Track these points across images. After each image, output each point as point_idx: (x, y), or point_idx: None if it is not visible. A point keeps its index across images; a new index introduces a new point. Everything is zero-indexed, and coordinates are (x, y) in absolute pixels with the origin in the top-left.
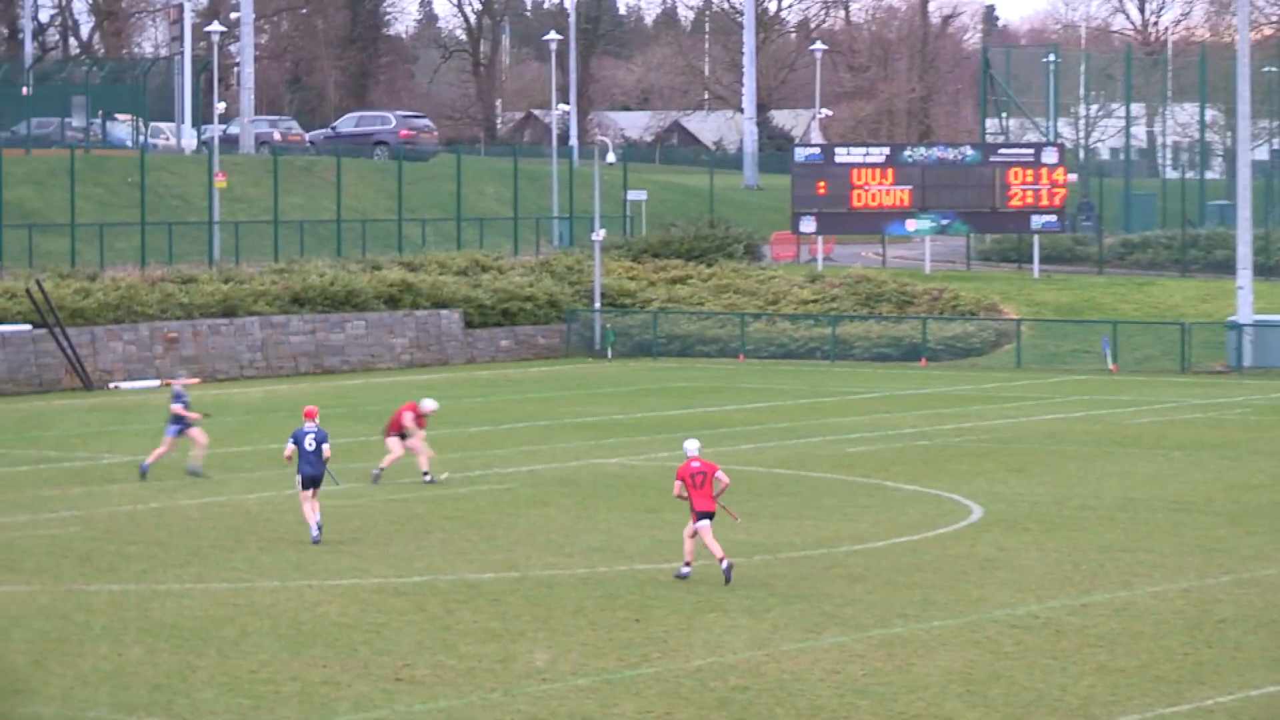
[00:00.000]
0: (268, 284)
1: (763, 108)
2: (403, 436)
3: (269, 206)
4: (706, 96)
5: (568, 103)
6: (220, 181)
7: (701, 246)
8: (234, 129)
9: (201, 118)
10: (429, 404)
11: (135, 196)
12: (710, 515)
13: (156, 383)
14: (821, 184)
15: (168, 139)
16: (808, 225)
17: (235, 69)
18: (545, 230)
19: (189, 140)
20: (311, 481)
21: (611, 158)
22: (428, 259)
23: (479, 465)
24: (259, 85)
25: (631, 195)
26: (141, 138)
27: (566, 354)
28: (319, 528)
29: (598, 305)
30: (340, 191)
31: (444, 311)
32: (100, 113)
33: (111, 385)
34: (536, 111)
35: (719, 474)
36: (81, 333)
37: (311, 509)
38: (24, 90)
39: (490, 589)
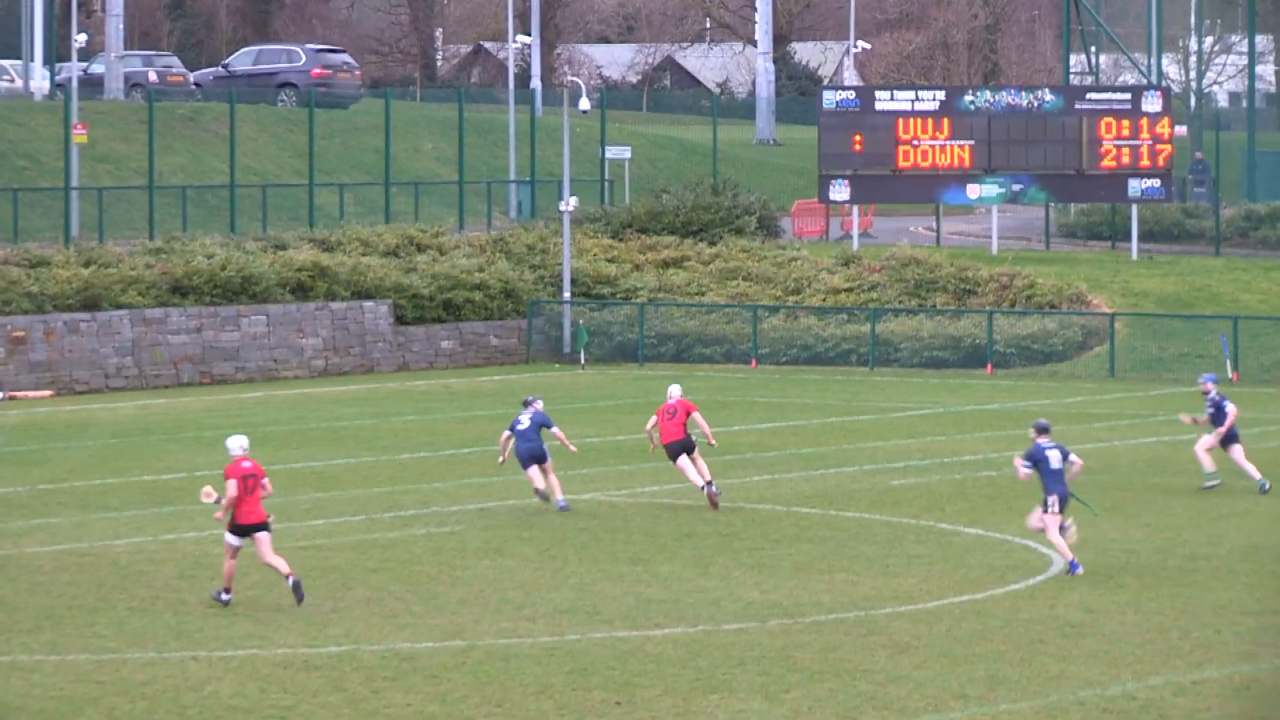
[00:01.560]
0: (140, 268)
1: (781, 40)
2: None
3: (142, 168)
4: (708, 25)
5: (528, 33)
6: (79, 135)
7: (702, 219)
8: (97, 68)
9: (56, 54)
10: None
11: None
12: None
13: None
14: (857, 138)
15: (12, 81)
16: (839, 192)
17: None
18: (500, 198)
19: (39, 83)
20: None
21: (585, 104)
22: (347, 236)
23: (413, 503)
24: (130, 12)
25: (611, 153)
26: None
27: (527, 359)
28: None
29: (567, 296)
30: (234, 148)
31: (368, 304)
32: None
33: None
34: (488, 45)
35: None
36: None
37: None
38: None
39: (429, 662)
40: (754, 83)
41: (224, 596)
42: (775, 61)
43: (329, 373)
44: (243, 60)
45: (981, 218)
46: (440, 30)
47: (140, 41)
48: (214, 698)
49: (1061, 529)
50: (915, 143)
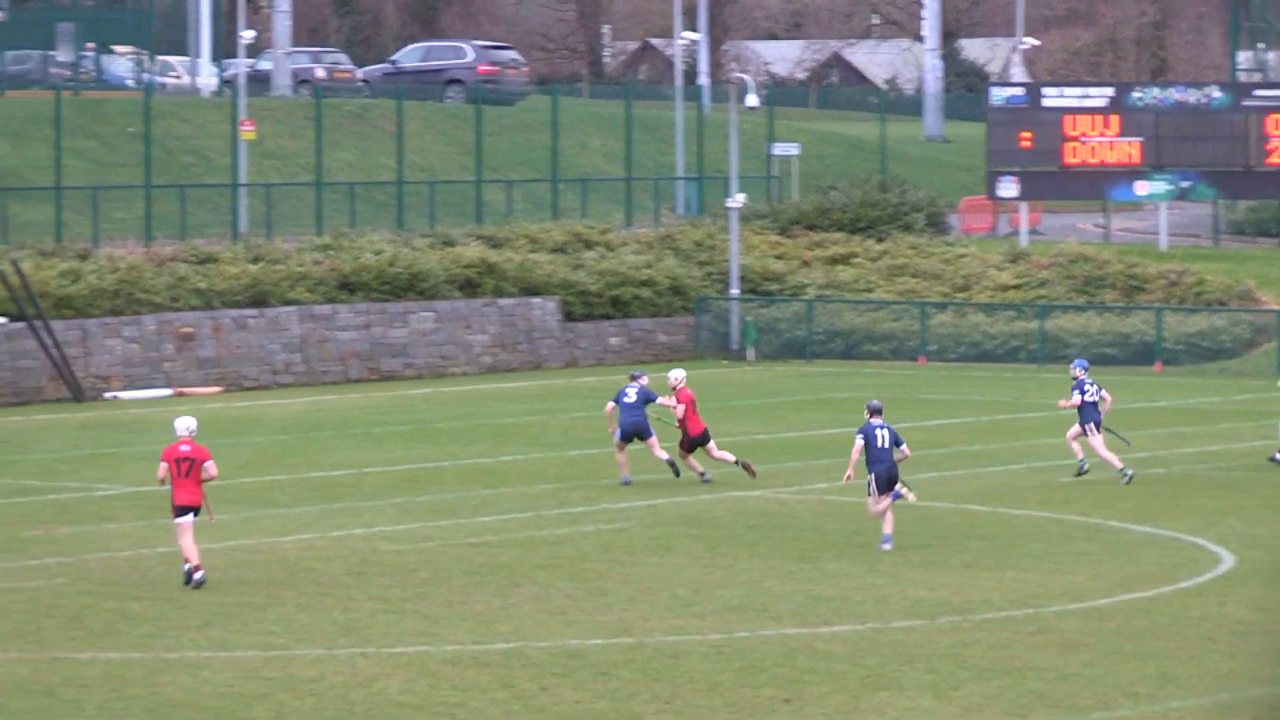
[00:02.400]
0: (309, 264)
1: (949, 36)
2: None
3: (310, 164)
4: (876, 21)
5: (695, 30)
6: (247, 132)
7: (870, 216)
8: (265, 64)
9: (224, 50)
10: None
11: (138, 151)
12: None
13: (167, 392)
14: (1025, 135)
15: (180, 77)
16: (1007, 188)
17: None
18: (667, 195)
19: (207, 79)
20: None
21: (753, 100)
22: (515, 232)
23: (581, 500)
24: (298, 8)
25: (779, 149)
26: (147, 76)
27: (694, 355)
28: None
29: (735, 292)
30: (402, 145)
31: (536, 300)
32: (93, 44)
33: (108, 395)
34: (655, 41)
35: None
36: (69, 328)
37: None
38: None
39: (597, 659)
40: (921, 79)
41: (196, 575)
42: (943, 58)
43: (497, 369)
44: (411, 57)
45: (1149, 214)
46: (608, 26)
47: (308, 38)
48: (382, 694)
49: (896, 499)
50: (1083, 139)
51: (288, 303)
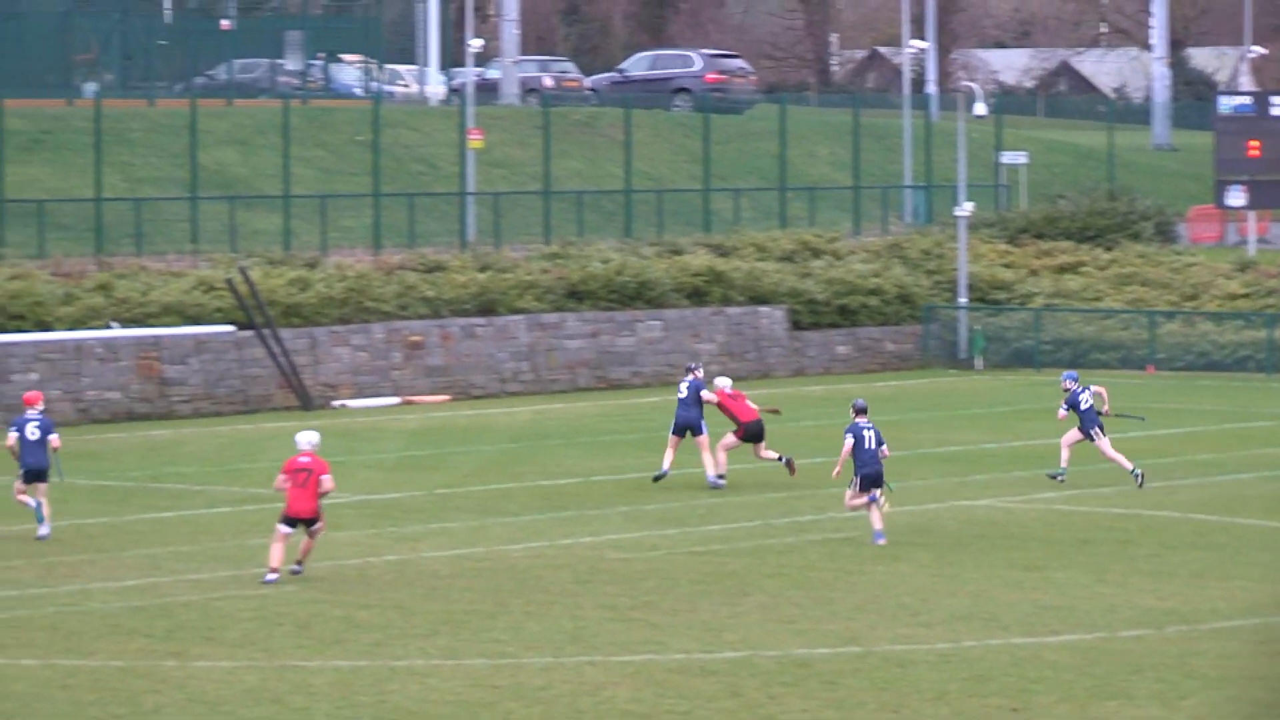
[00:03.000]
0: (536, 273)
1: (1177, 44)
2: None
3: (538, 173)
4: (1104, 30)
5: (923, 38)
6: (475, 141)
7: (1098, 225)
8: (493, 73)
9: (452, 59)
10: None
11: (367, 160)
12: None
13: (395, 400)
14: (1254, 143)
15: (408, 86)
16: (1236, 197)
17: None
18: (894, 203)
19: (435, 88)
20: (37, 474)
21: (981, 109)
22: (743, 240)
23: (809, 509)
24: (526, 17)
25: (1007, 158)
26: (375, 85)
27: (922, 364)
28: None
29: (963, 301)
30: (630, 153)
31: (764, 308)
32: (322, 53)
33: (336, 403)
34: (883, 49)
35: None
36: (298, 336)
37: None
38: (223, 24)
39: (825, 668)
40: (1149, 88)
41: (269, 577)
42: (1171, 66)
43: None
44: (638, 65)
45: None
46: (835, 35)
47: (536, 46)
48: (610, 702)
49: (873, 501)
50: None
51: (516, 311)
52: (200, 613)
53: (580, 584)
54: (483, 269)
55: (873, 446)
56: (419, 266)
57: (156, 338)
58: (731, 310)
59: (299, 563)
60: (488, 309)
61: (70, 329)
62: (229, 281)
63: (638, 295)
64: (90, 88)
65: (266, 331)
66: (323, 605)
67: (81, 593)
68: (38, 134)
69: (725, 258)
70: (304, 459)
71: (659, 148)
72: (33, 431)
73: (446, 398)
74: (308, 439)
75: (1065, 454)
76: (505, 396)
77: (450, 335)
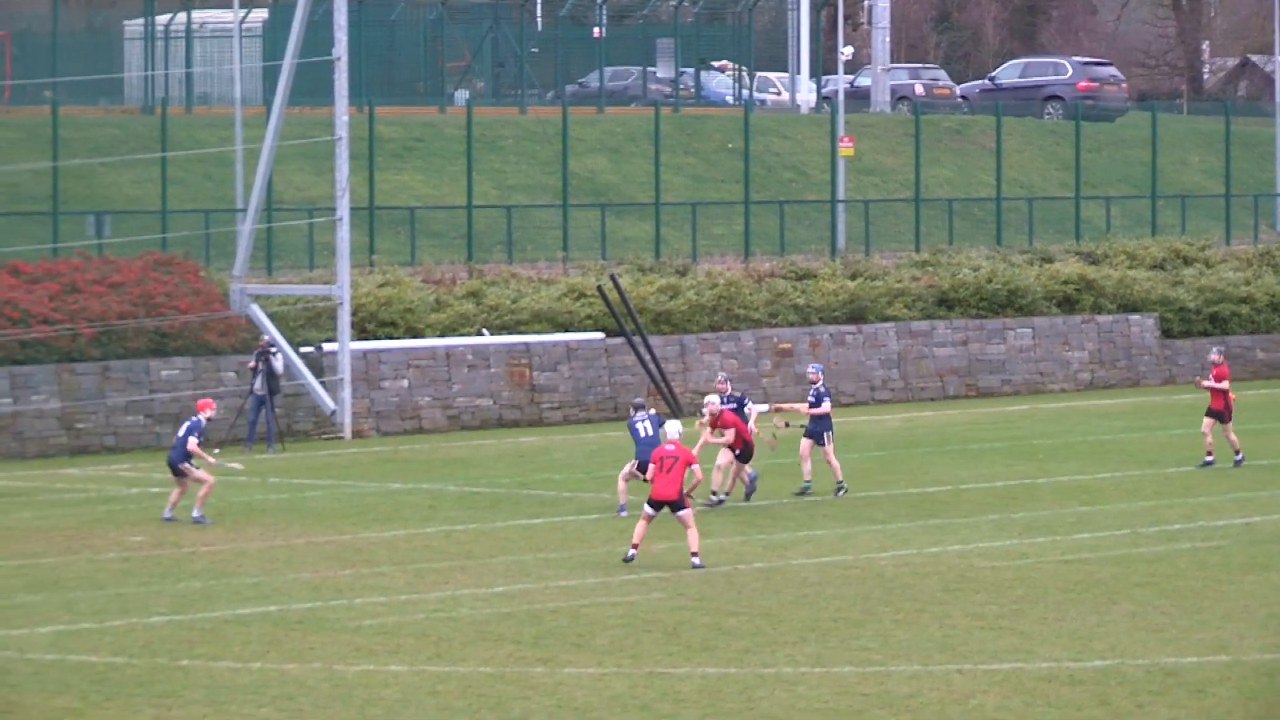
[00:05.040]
0: (906, 281)
1: None
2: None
3: (908, 180)
4: None
5: None
6: (846, 148)
7: None
8: (864, 80)
9: (822, 67)
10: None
11: (737, 168)
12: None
13: (764, 408)
14: None
15: (779, 94)
16: None
17: (866, 4)
18: (1265, 212)
19: (806, 96)
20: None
21: None
22: (1113, 249)
23: (1178, 517)
24: (897, 25)
25: None
26: (746, 93)
27: None
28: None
29: None
30: (1000, 160)
31: (1134, 317)
32: (695, 61)
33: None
34: (1254, 58)
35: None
36: (668, 343)
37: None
38: (595, 32)
39: (1193, 677)
40: None
41: (630, 553)
42: None
43: (1094, 386)
44: (1009, 73)
45: None
46: (1207, 42)
47: (906, 54)
48: (978, 711)
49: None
50: None
51: (885, 319)
52: (569, 619)
53: (949, 592)
54: (852, 277)
55: (651, 434)
56: (789, 274)
57: (527, 345)
58: (1102, 319)
59: (695, 554)
60: (857, 317)
61: (441, 336)
62: (599, 289)
63: (1008, 303)
64: (462, 95)
65: (636, 338)
66: (691, 612)
67: (451, 599)
68: (409, 141)
69: (1096, 265)
70: (669, 447)
71: (1030, 155)
72: (646, 429)
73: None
74: (675, 428)
75: (811, 464)
76: (874, 404)
77: (820, 343)
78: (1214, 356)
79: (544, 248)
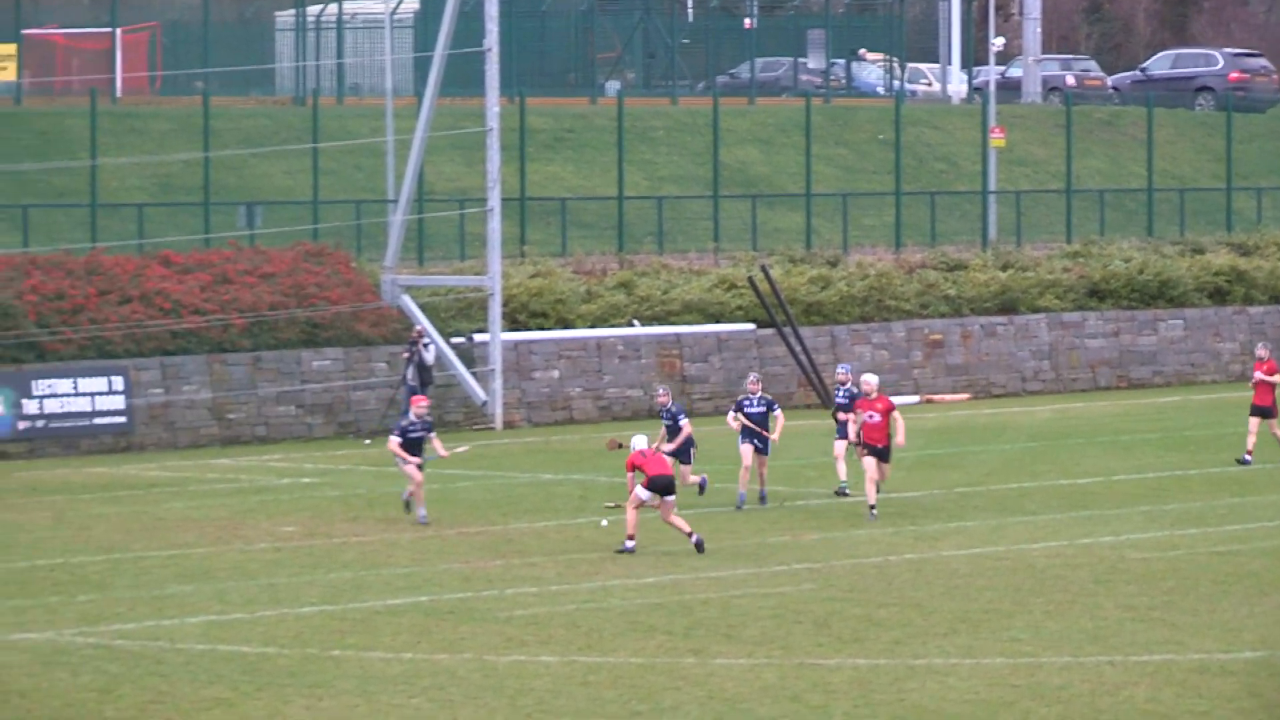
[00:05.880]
0: (1058, 272)
1: None
2: None
3: (1059, 171)
4: None
5: None
6: (997, 139)
7: None
8: (1015, 71)
9: (973, 57)
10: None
11: (888, 159)
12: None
13: (915, 399)
14: None
15: (930, 85)
16: None
17: None
18: None
19: (957, 86)
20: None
21: None
22: (1265, 239)
23: None
24: (1048, 15)
25: None
26: (896, 83)
27: None
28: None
29: None
30: (1152, 152)
31: None
32: (848, 52)
33: None
34: None
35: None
36: (819, 334)
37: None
38: (746, 23)
39: None
40: None
41: (628, 544)
42: None
43: (1246, 377)
44: (1160, 64)
45: None
46: None
47: (1057, 45)
48: (1129, 702)
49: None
50: None
51: (1036, 310)
52: (719, 610)
53: (1099, 583)
54: (1004, 267)
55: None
56: (940, 265)
57: (677, 335)
58: (1254, 310)
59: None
60: (1008, 308)
61: (591, 326)
62: (750, 279)
63: (1159, 294)
64: (613, 86)
65: (787, 329)
66: (842, 603)
67: (602, 590)
68: (560, 132)
69: (1247, 257)
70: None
71: (1181, 146)
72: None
73: (966, 396)
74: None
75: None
76: (1025, 395)
77: (970, 334)
78: (1260, 351)
79: (695, 238)
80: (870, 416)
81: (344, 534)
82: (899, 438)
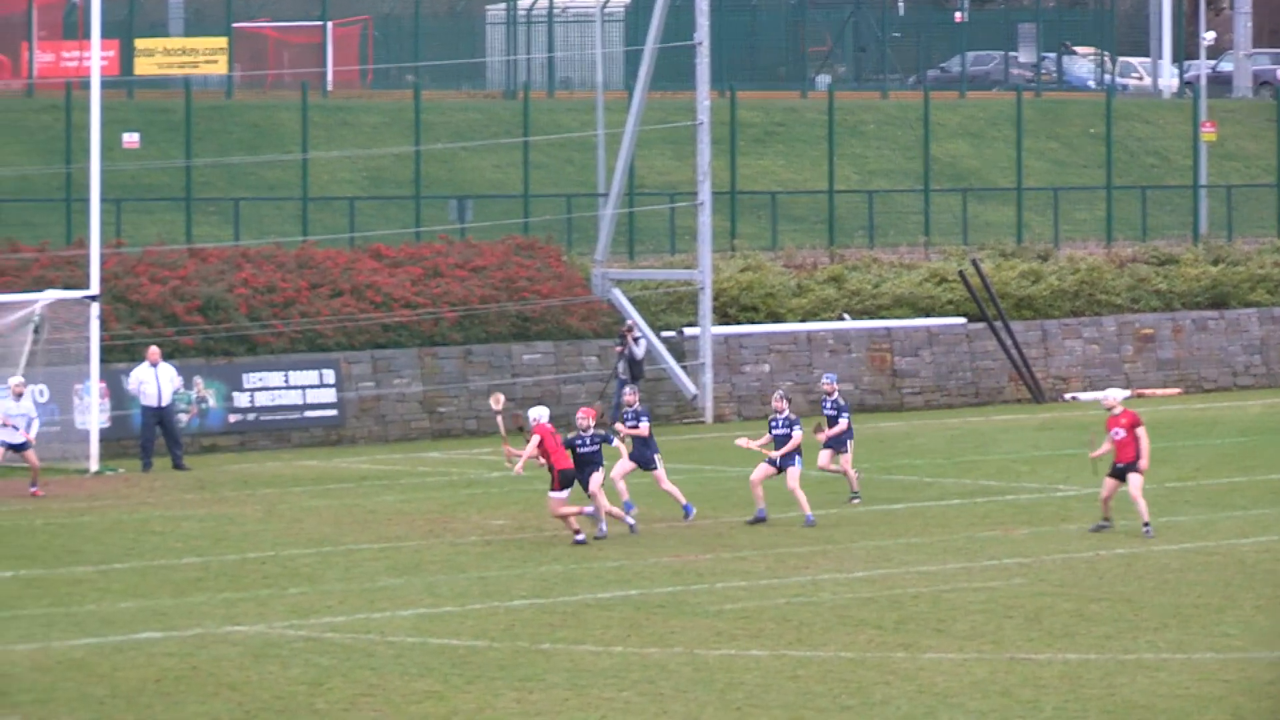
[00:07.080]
0: (1269, 266)
1: None
2: None
3: (1270, 166)
4: None
5: None
6: (1208, 134)
7: None
8: (1225, 66)
9: (1185, 51)
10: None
11: (1099, 153)
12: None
13: (1125, 393)
14: None
15: (1141, 79)
16: None
17: None
18: None
19: (1168, 80)
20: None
21: None
22: None
23: None
24: (1259, 10)
25: None
26: (1108, 77)
27: None
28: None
29: None
30: None
31: None
32: (1060, 45)
33: (1067, 396)
34: None
35: None
36: (1029, 328)
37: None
38: (957, 16)
39: None
40: None
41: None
42: None
43: None
44: None
45: None
46: None
47: (1268, 39)
48: None
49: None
50: None
51: (1248, 305)
52: (930, 604)
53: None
54: (1215, 262)
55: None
56: (1151, 259)
57: (888, 329)
58: None
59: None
60: (1219, 302)
61: (801, 320)
62: (961, 274)
63: None
64: (823, 80)
65: (998, 324)
66: (1052, 598)
67: (812, 584)
68: (771, 126)
69: None
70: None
71: None
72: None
73: (1177, 391)
74: (537, 414)
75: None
76: (1236, 390)
77: (1181, 328)
78: None
79: (905, 232)
80: (1115, 434)
81: (554, 527)
82: (1143, 461)
